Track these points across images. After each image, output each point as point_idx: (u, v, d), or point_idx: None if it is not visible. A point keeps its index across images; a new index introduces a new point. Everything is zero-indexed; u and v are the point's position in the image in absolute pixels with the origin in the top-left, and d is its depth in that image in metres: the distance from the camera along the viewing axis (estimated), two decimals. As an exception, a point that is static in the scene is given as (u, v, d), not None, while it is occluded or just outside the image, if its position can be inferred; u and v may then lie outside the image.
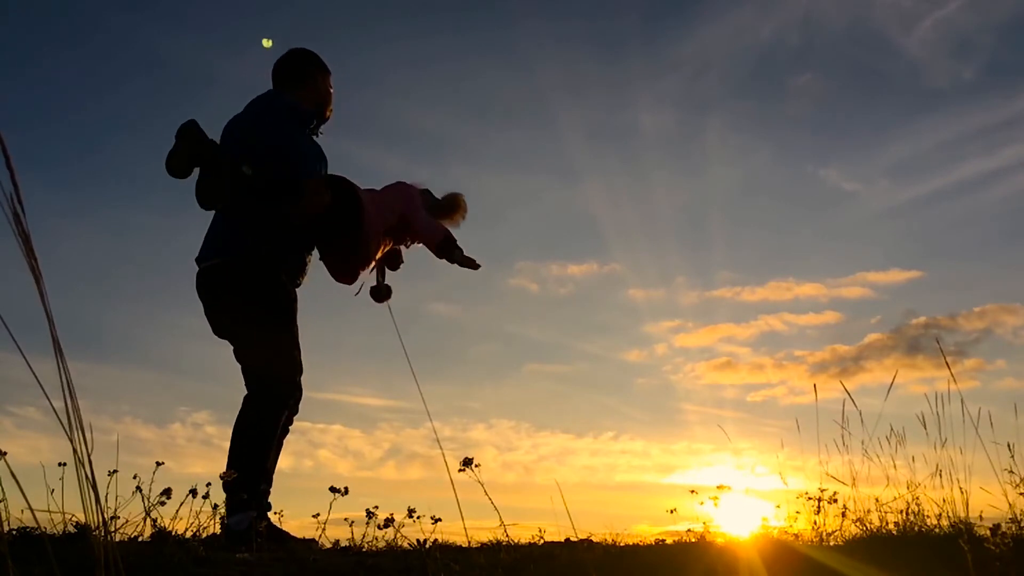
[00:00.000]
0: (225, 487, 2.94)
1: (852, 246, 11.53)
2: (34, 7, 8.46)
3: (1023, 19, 9.10)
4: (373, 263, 3.77)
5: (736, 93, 10.54)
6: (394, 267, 3.97)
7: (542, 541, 3.28)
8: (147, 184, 9.69)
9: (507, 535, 2.54)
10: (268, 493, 3.19)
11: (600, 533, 3.27)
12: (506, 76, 10.04)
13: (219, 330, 3.30)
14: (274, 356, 3.18)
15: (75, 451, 1.17)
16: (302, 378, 3.33)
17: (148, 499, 2.61)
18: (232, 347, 3.27)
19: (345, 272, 3.65)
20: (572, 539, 3.00)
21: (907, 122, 10.33)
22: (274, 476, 3.27)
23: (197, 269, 3.31)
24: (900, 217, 10.76)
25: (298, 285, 3.41)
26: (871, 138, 10.71)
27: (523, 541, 3.18)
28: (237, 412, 3.17)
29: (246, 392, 3.20)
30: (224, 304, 3.26)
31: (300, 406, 3.36)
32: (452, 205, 4.00)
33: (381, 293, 3.91)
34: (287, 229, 3.28)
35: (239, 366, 3.26)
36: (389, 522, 2.58)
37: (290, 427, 3.34)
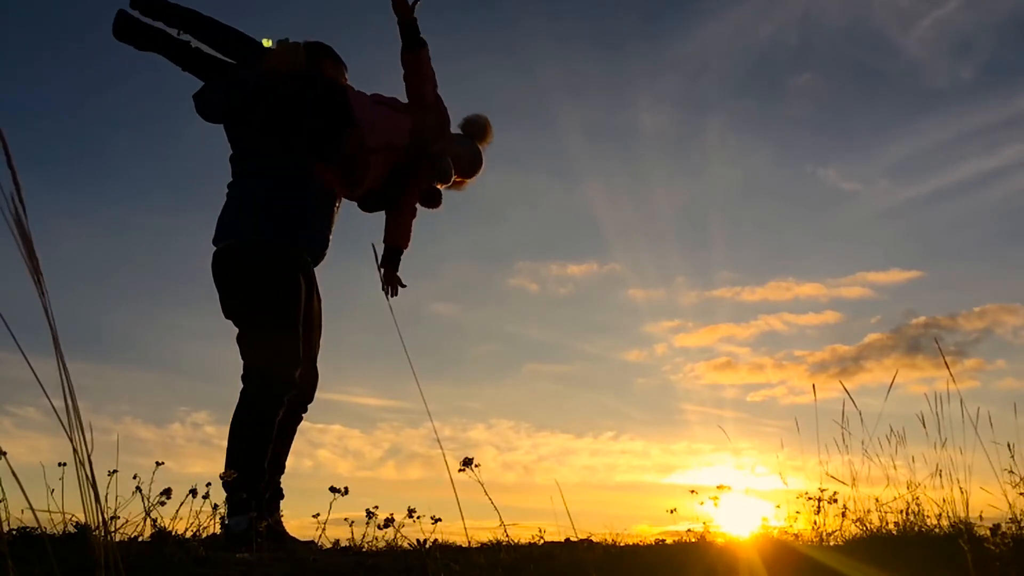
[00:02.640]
0: (225, 487, 2.94)
1: (852, 246, 11.55)
2: (34, 5, 8.46)
3: (1022, 18, 9.11)
4: (386, 138, 3.52)
5: (736, 93, 10.55)
6: (443, 179, 3.65)
7: (542, 541, 3.28)
8: (147, 184, 9.70)
9: (507, 535, 2.54)
10: (268, 490, 3.18)
11: (600, 533, 3.27)
12: (506, 76, 10.05)
13: (227, 313, 3.30)
14: (272, 353, 3.18)
15: (75, 451, 1.17)
16: (318, 367, 3.37)
17: (148, 499, 2.60)
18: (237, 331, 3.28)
19: (354, 164, 3.42)
20: (572, 539, 3.00)
21: (906, 122, 10.34)
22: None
23: (214, 250, 3.31)
24: (900, 217, 10.78)
25: (317, 262, 3.41)
26: (870, 138, 10.72)
27: (523, 541, 3.18)
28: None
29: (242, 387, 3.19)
30: (230, 291, 3.26)
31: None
32: (479, 130, 3.79)
33: (431, 197, 3.68)
34: (296, 205, 3.28)
35: (240, 358, 3.25)
36: (389, 522, 2.58)
37: (301, 418, 3.36)
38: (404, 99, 3.67)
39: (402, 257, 3.88)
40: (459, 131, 3.79)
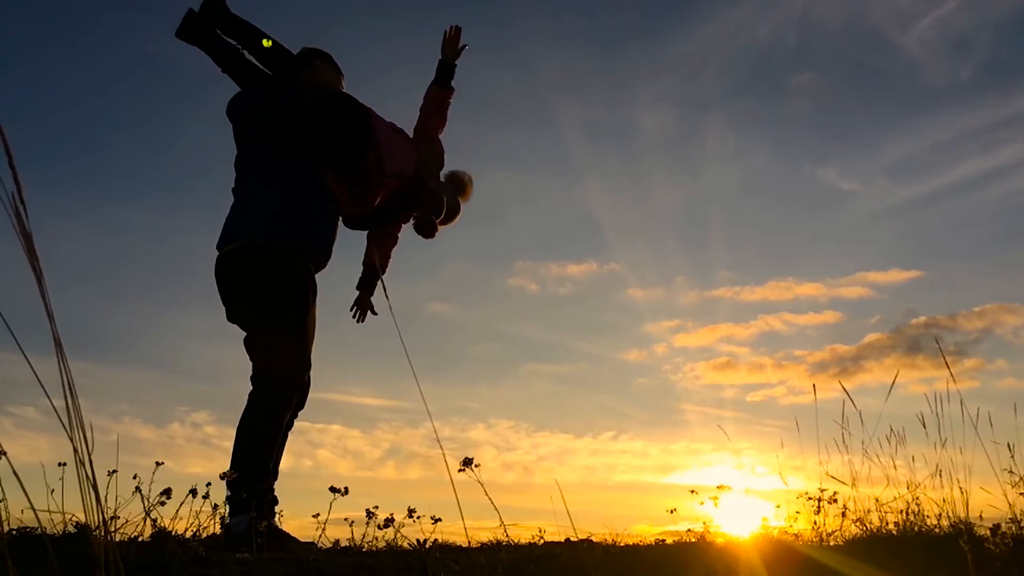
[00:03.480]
0: (228, 486, 2.94)
1: (851, 246, 11.56)
2: (34, 4, 8.46)
3: (1021, 18, 9.11)
4: (397, 166, 3.65)
5: (735, 92, 10.56)
6: (438, 215, 3.83)
7: (542, 541, 3.28)
8: (147, 184, 9.71)
9: (507, 535, 2.54)
10: (272, 491, 3.19)
11: (600, 533, 3.28)
12: (505, 75, 10.05)
13: (232, 316, 3.30)
14: (282, 356, 3.17)
15: (75, 451, 1.17)
16: (311, 372, 3.35)
17: (148, 499, 2.60)
18: (244, 336, 3.27)
19: (365, 184, 3.56)
20: (572, 539, 3.00)
21: (905, 121, 10.35)
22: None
23: (217, 254, 3.31)
24: (899, 217, 10.78)
25: (320, 269, 3.42)
26: (869, 137, 10.73)
27: (523, 541, 3.19)
28: (236, 411, 3.17)
29: (251, 388, 3.19)
30: (239, 294, 3.25)
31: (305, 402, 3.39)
32: (462, 185, 3.97)
33: (426, 227, 3.83)
34: (309, 209, 3.29)
35: (242, 360, 3.25)
36: (389, 522, 2.58)
37: (295, 420, 3.36)
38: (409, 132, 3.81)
39: (378, 283, 3.94)
40: (443, 181, 3.96)
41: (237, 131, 3.44)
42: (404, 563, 2.40)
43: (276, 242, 3.20)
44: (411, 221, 3.89)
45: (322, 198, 3.37)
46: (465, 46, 3.72)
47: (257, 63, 3.61)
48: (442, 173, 3.97)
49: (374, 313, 3.89)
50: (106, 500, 2.38)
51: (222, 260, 3.27)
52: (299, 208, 3.27)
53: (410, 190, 3.72)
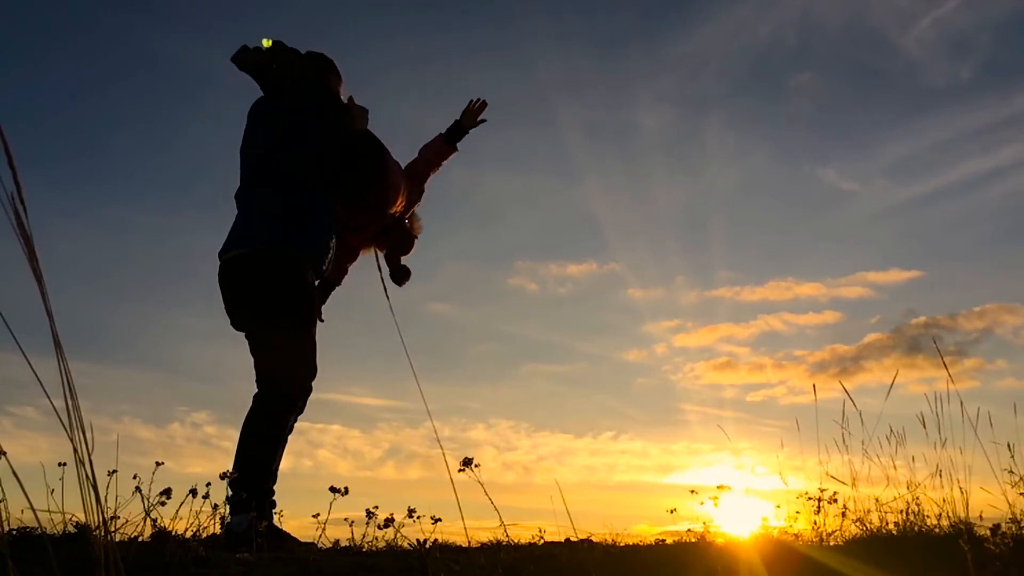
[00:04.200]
0: (229, 486, 2.94)
1: (851, 246, 11.55)
2: (34, 4, 8.46)
3: (1021, 18, 9.11)
4: (397, 205, 3.77)
5: (735, 92, 10.56)
6: (405, 250, 4.02)
7: (542, 541, 3.28)
8: (147, 184, 9.71)
9: (507, 535, 2.54)
10: (273, 492, 3.19)
11: (600, 533, 3.28)
12: (504, 74, 10.03)
13: (237, 323, 3.29)
14: (290, 359, 3.18)
15: (75, 451, 1.17)
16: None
17: (148, 499, 2.60)
18: (248, 342, 3.27)
19: (366, 214, 3.68)
20: (572, 539, 3.00)
21: (905, 121, 10.35)
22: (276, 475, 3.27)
23: (219, 262, 3.30)
24: (899, 217, 10.78)
25: (324, 272, 3.42)
26: (869, 137, 10.73)
27: (523, 541, 3.19)
28: (236, 411, 3.17)
29: (256, 390, 3.19)
30: (244, 299, 3.24)
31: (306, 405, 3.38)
32: (414, 220, 4.12)
33: (401, 275, 4.01)
34: (312, 217, 3.30)
35: (243, 360, 3.25)
36: (389, 522, 2.58)
37: (294, 423, 3.36)
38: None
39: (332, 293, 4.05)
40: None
41: (247, 137, 3.43)
42: (404, 563, 2.40)
43: (277, 245, 3.20)
44: (382, 252, 4.07)
45: (324, 201, 3.36)
46: (484, 120, 3.94)
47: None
48: None
49: (320, 320, 3.98)
50: (106, 500, 2.38)
51: (224, 267, 3.27)
52: (300, 210, 3.26)
53: (394, 223, 3.90)
